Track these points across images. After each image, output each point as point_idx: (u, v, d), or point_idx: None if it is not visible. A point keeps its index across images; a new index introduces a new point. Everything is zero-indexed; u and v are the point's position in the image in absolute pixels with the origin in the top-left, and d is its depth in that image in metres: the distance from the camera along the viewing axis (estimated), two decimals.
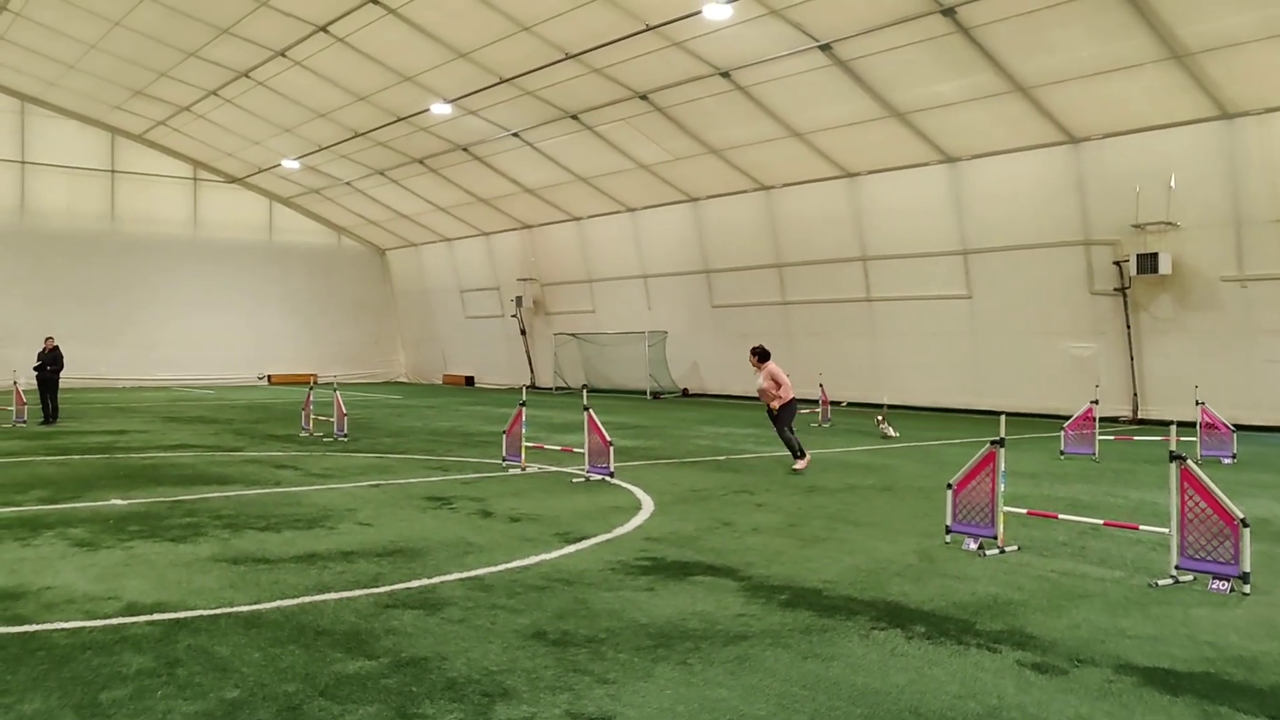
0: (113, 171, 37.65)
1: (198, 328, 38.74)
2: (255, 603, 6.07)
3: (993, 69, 19.28)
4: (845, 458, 14.76)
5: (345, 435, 16.45)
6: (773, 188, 27.17)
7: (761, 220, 27.95)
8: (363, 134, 31.30)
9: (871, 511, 9.81)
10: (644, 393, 31.56)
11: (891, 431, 18.08)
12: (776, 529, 8.84)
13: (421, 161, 32.72)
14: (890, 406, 23.44)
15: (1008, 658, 5.14)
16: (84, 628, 5.53)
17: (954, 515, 7.99)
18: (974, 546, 7.71)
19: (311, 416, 17.48)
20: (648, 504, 10.01)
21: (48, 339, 21.03)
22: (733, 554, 7.65)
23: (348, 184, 36.92)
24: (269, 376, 40.50)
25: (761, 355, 13.15)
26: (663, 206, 30.63)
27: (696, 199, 29.53)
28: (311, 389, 18.84)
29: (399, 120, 29.53)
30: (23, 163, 35.77)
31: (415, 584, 6.56)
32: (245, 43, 26.52)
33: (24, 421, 19.35)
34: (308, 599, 6.16)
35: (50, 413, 19.92)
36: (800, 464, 12.85)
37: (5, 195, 35.59)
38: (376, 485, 11.36)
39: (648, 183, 29.25)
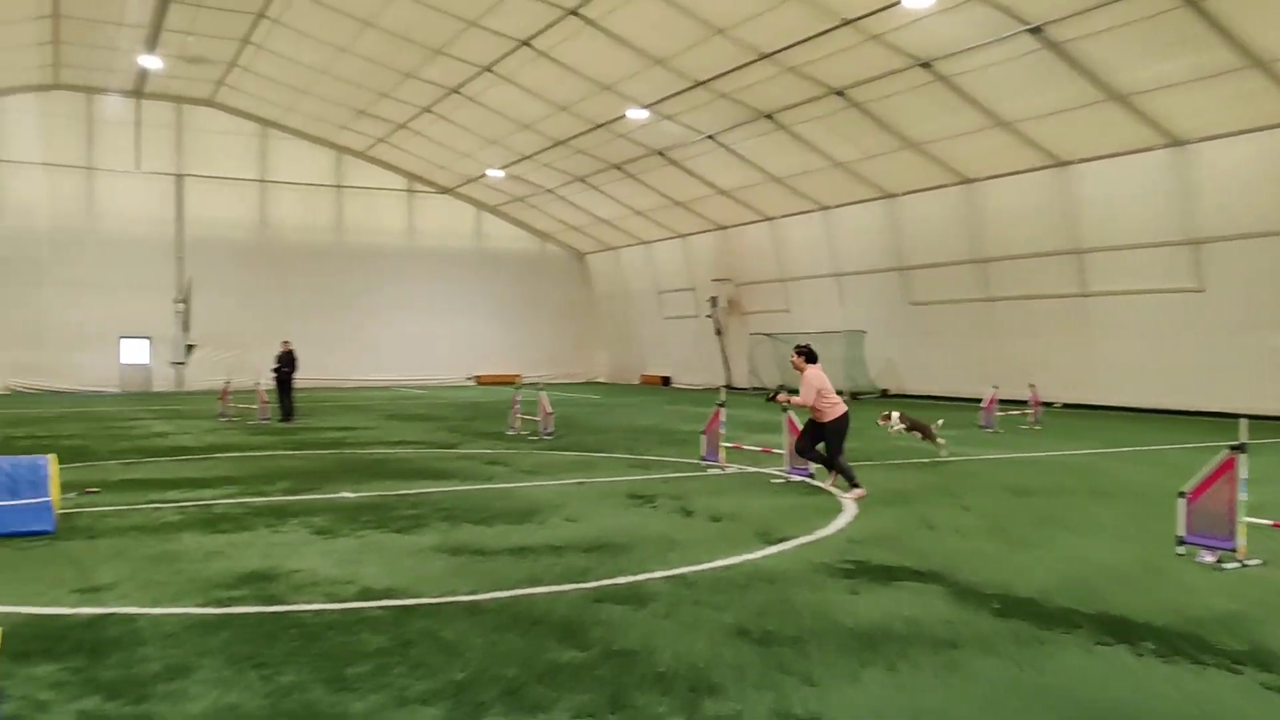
0: (339, 187, 40.68)
1: (414, 331, 41.27)
2: (475, 592, 6.44)
3: (1226, 44, 17.79)
4: (1057, 460, 14.03)
5: (551, 433, 17.08)
6: (975, 180, 26.12)
7: (962, 214, 26.94)
8: (563, 142, 32.39)
9: (1086, 517, 9.31)
10: (841, 393, 31.00)
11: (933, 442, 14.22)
12: (983, 532, 8.55)
13: (619, 167, 33.52)
14: (1064, 406, 21.95)
15: (1250, 678, 4.78)
16: (327, 609, 6.04)
17: (1188, 525, 7.47)
18: (1211, 559, 7.18)
19: (519, 415, 18.25)
20: (849, 506, 9.89)
21: (284, 342, 22.87)
22: (938, 558, 7.46)
23: (549, 191, 38.30)
24: (477, 377, 42.58)
25: (809, 356, 11.04)
26: (857, 204, 30.06)
27: (893, 195, 28.78)
28: (519, 389, 19.66)
29: (597, 128, 30.36)
30: (262, 181, 39.24)
31: (622, 580, 6.77)
32: (455, 61, 28.02)
33: (267, 419, 21.20)
34: (522, 591, 6.47)
35: (287, 411, 21.68)
36: (852, 494, 10.31)
37: (249, 212, 39.18)
38: (581, 482, 11.75)
39: (842, 180, 28.78)
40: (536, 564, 7.28)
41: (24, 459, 8.66)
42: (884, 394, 30.68)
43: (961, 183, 26.48)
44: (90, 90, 35.62)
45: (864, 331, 31.16)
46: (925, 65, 21.72)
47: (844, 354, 31.36)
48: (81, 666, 4.89)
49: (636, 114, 27.96)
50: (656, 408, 26.84)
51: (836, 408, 10.75)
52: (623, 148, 31.72)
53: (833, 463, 10.82)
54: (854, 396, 30.51)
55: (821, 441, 10.86)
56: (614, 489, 11.21)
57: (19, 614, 5.82)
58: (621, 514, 9.52)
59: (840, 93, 24.03)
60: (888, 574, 6.93)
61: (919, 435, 14.44)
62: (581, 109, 29.29)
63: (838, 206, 30.90)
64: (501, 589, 6.50)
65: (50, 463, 8.66)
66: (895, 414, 14.84)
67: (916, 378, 29.88)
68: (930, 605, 6.11)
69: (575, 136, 31.60)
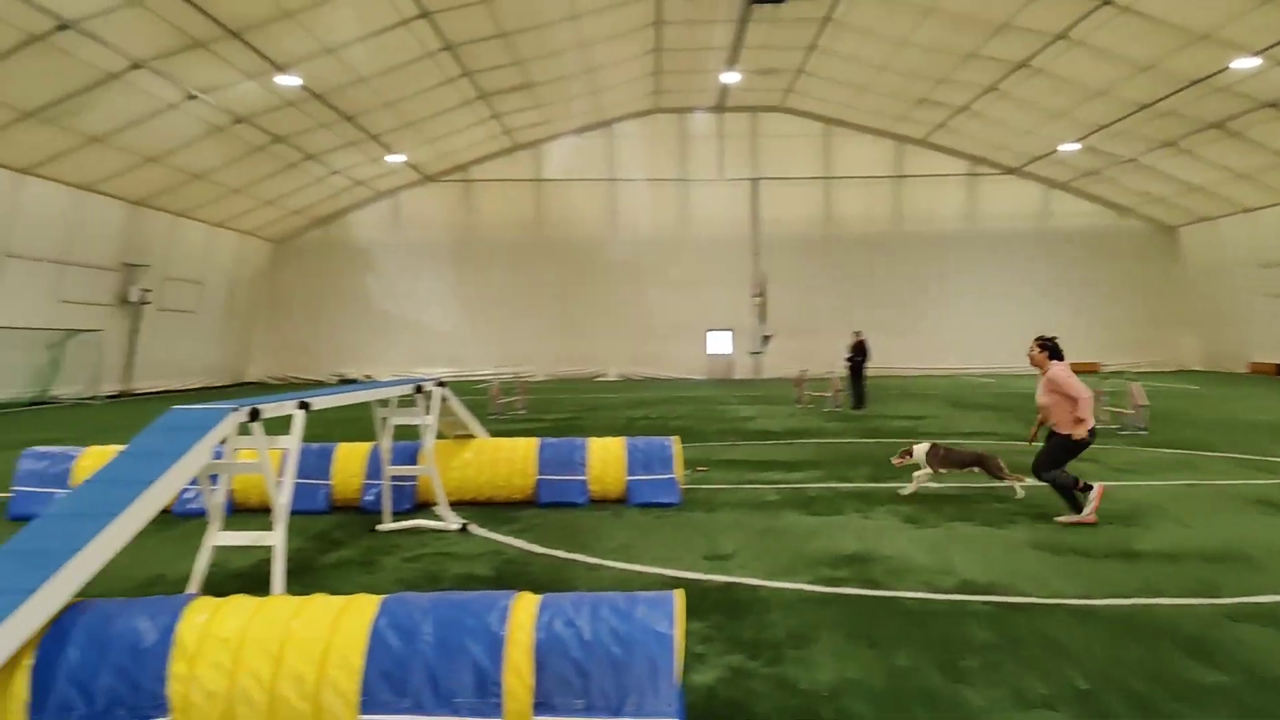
0: (899, 176, 41.09)
1: (975, 317, 40.22)
2: (1084, 596, 6.11)
3: None
4: None
5: (1144, 428, 15.54)
6: None
7: None
8: (1146, 106, 29.19)
9: None
10: None
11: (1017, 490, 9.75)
12: None
13: (1218, 125, 29.29)
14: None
15: None
16: (928, 598, 6.16)
17: None
18: None
19: (1104, 408, 16.88)
20: None
21: (855, 333, 23.66)
22: None
23: (1129, 161, 34.77)
24: None
25: (1053, 351, 8.73)
26: None
27: None
28: (1103, 379, 18.19)
29: (1190, 85, 26.86)
30: (826, 178, 41.07)
31: (1263, 599, 5.95)
32: (1022, 32, 26.68)
33: (839, 406, 22.19)
34: (1138, 600, 6.00)
35: (859, 398, 22.44)
36: (1067, 517, 8.37)
37: (814, 207, 41.29)
38: (1187, 484, 10.54)
39: None
40: (1150, 571, 6.70)
41: (654, 440, 10.08)
42: None
43: None
44: (681, 110, 40.28)
45: None
46: None
47: None
48: (722, 625, 5.58)
49: (1245, 63, 24.19)
50: (1275, 400, 23.05)
51: (1088, 421, 8.38)
52: (1222, 103, 27.64)
53: (1050, 479, 8.52)
54: None
55: (1067, 457, 8.50)
56: (1230, 493, 9.88)
57: (664, 575, 6.80)
58: (1246, 522, 8.37)
59: None
60: None
61: (976, 471, 9.97)
62: (1169, 65, 26.10)
63: None
64: (1115, 595, 6.09)
65: (674, 443, 9.98)
66: (920, 447, 10.10)
67: None
68: None
69: (1162, 98, 28.27)
